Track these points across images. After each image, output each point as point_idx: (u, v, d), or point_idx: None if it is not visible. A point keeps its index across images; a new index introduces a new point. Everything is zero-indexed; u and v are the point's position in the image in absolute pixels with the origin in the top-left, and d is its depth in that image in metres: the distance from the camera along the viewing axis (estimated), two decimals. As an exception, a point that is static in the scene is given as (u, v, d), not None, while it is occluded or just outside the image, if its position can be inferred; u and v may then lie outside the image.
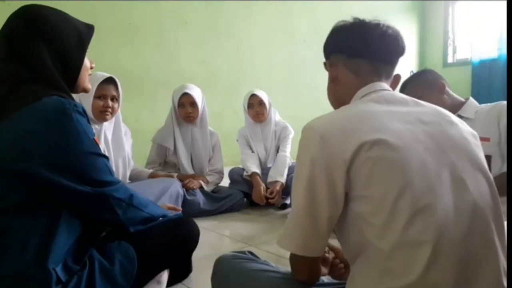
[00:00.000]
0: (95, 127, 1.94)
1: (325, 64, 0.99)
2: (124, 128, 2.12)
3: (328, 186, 0.74)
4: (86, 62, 1.08)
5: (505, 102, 1.54)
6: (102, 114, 1.91)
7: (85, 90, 1.12)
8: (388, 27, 0.91)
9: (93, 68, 1.14)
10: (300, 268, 0.86)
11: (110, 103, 1.91)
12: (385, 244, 0.69)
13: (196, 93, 2.53)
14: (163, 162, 2.66)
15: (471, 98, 1.66)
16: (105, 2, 3.48)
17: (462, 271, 0.68)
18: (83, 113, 0.96)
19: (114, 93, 1.93)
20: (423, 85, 1.63)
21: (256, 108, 2.71)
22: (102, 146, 1.96)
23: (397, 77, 0.96)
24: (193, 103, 2.51)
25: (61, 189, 0.91)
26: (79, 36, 1.04)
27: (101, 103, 1.89)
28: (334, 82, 0.95)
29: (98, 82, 1.89)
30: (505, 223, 0.78)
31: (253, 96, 2.71)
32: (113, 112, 1.96)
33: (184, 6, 3.96)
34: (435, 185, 0.71)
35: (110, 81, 1.93)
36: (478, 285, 0.69)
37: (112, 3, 3.52)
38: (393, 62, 0.93)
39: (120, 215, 1.03)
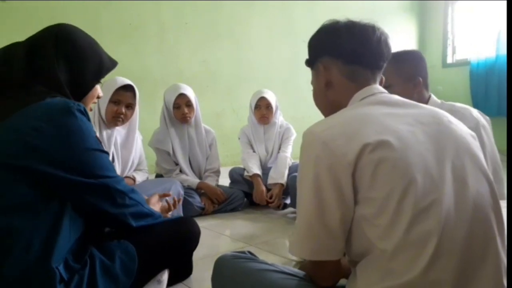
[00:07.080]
0: (107, 131, 1.96)
1: (309, 62, 0.97)
2: (136, 133, 2.12)
3: (334, 186, 0.74)
4: (96, 90, 1.12)
5: (464, 109, 1.43)
6: (114, 120, 1.93)
7: None
8: (382, 32, 0.91)
9: (100, 98, 1.18)
10: (322, 274, 0.85)
11: (123, 110, 1.93)
12: (388, 244, 0.69)
13: (190, 92, 2.50)
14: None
15: (432, 95, 1.54)
16: (105, 2, 3.48)
17: (463, 269, 0.68)
18: (85, 112, 0.98)
19: (130, 100, 1.95)
20: (400, 76, 1.47)
21: (262, 110, 2.71)
22: (111, 150, 1.97)
23: (382, 79, 0.96)
24: (189, 103, 2.49)
25: (65, 183, 0.91)
26: (99, 65, 1.08)
27: (115, 108, 1.91)
28: (327, 87, 0.93)
29: (116, 88, 1.89)
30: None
31: (262, 99, 2.69)
32: (125, 119, 1.97)
33: (184, 6, 3.96)
34: (437, 185, 0.71)
35: (128, 88, 1.94)
36: (479, 283, 0.69)
37: (112, 3, 3.52)
38: (383, 67, 0.94)
39: (123, 208, 1.03)
